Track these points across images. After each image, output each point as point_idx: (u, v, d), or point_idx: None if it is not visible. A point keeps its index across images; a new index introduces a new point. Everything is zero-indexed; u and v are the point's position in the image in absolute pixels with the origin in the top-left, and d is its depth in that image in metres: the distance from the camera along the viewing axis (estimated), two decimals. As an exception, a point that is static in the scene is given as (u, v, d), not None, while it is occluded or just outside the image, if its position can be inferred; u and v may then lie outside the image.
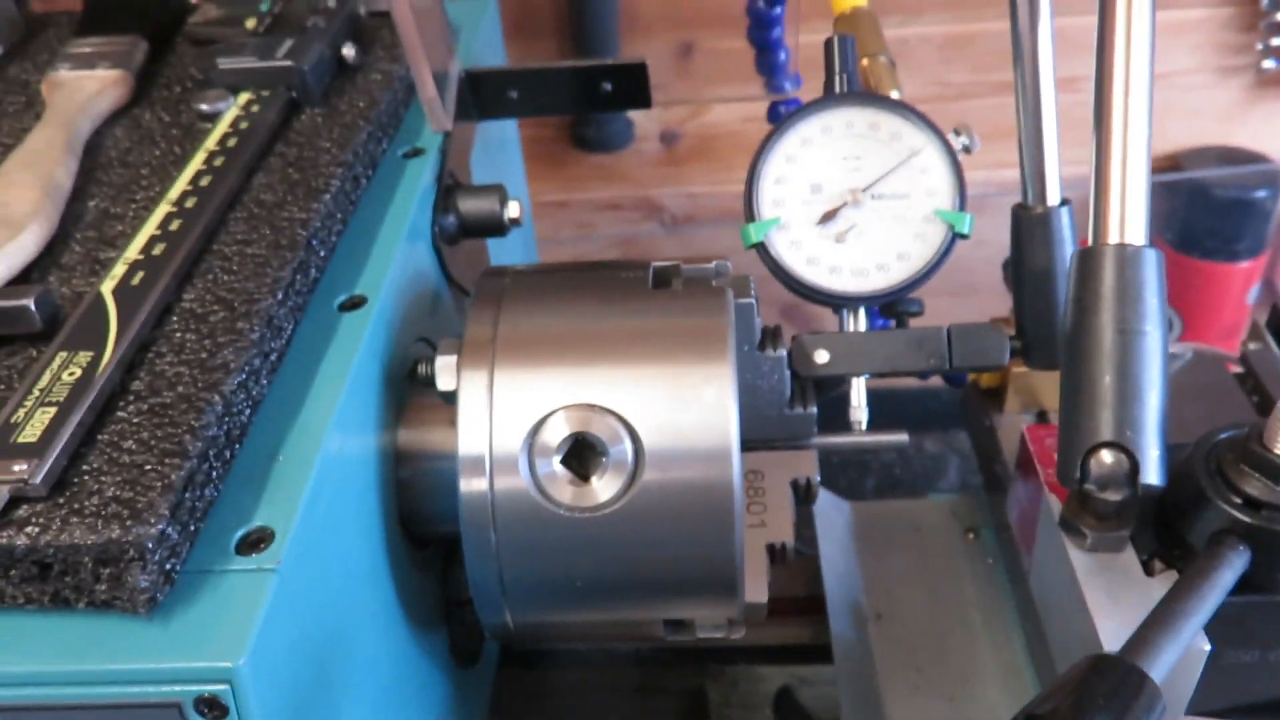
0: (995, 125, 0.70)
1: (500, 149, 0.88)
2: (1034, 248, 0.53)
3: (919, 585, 0.70)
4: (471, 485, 0.48)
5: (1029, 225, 0.53)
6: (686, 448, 0.47)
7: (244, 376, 0.42)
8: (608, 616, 0.51)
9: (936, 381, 1.00)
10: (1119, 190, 0.43)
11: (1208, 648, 0.39)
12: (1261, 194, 1.25)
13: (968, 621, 0.67)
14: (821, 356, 0.55)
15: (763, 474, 0.54)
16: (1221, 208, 1.26)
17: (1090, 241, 0.44)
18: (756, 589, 0.50)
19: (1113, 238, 0.43)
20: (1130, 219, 0.43)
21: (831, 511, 0.75)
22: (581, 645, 0.75)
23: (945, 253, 0.54)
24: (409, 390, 0.54)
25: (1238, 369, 0.63)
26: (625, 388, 0.47)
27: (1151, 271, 0.42)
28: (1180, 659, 0.35)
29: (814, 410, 0.54)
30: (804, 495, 0.54)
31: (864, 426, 0.55)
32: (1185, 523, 0.42)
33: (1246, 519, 0.40)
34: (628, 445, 0.47)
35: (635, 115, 1.33)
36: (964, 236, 0.54)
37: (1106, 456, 0.40)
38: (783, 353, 0.53)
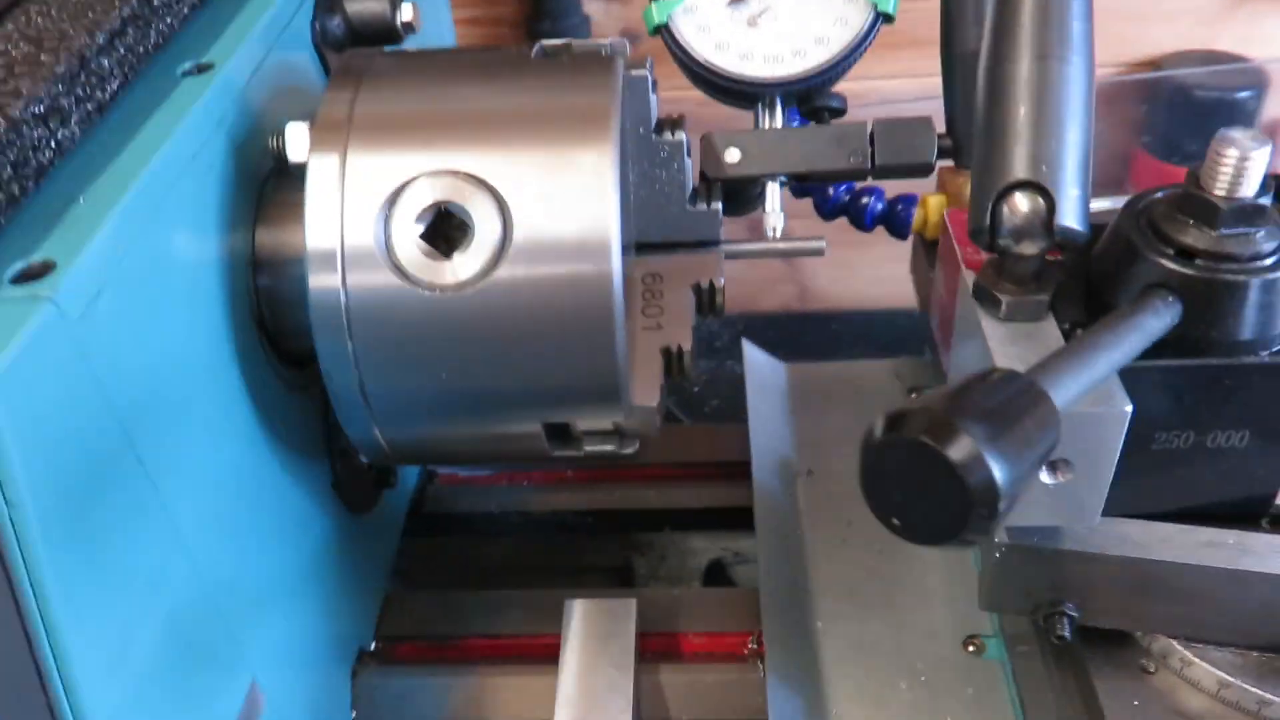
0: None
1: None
2: (964, 25, 0.48)
3: (854, 443, 0.64)
4: (321, 280, 0.43)
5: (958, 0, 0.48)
6: (559, 221, 0.41)
7: (41, 109, 0.37)
8: (482, 425, 0.46)
9: (903, 303, 0.94)
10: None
11: (1129, 407, 0.34)
12: (1245, 94, 1.19)
13: (903, 477, 0.62)
14: (732, 155, 0.50)
15: (662, 277, 0.49)
16: (1204, 110, 1.20)
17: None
18: (647, 393, 0.45)
19: (1036, -40, 0.37)
20: (1057, -61, 0.37)
21: (766, 371, 0.70)
22: (496, 510, 0.71)
23: (867, 35, 0.48)
24: (274, 191, 0.49)
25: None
26: (494, 157, 0.42)
27: (1078, -4, 0.37)
28: (1087, 390, 0.30)
29: (718, 207, 0.49)
30: (708, 301, 0.49)
31: (778, 233, 0.50)
32: (1113, 286, 0.37)
33: (1180, 269, 0.35)
34: (495, 217, 0.42)
35: (594, 12, 1.27)
36: (889, 18, 0.49)
37: (1020, 200, 0.35)
38: (682, 137, 0.48)
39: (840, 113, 0.51)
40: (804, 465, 0.64)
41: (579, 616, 0.57)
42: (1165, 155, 1.24)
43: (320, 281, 0.43)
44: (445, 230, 0.43)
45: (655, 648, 0.60)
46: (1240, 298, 0.35)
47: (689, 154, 0.48)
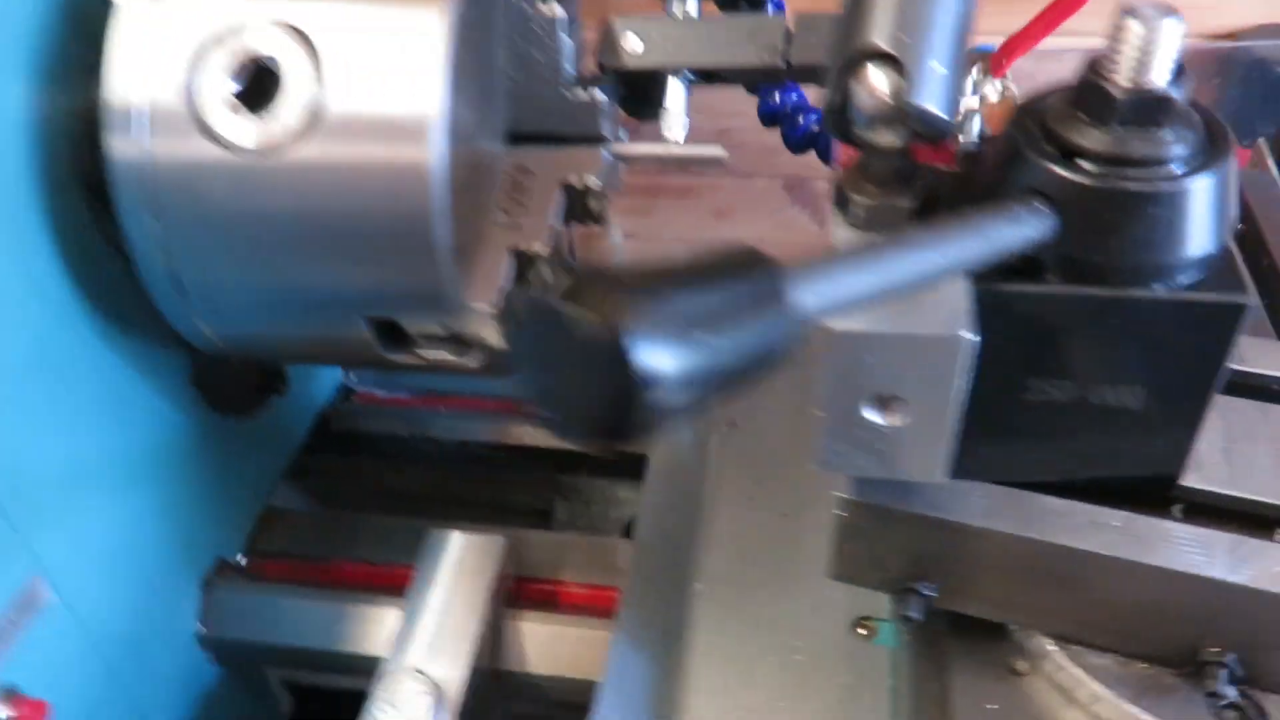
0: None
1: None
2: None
3: (785, 399, 0.58)
4: (121, 142, 0.38)
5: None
6: (378, 83, 0.36)
7: None
8: (306, 318, 0.41)
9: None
10: None
11: (969, 334, 0.27)
12: (1331, 73, 1.07)
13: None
14: (633, 44, 0.43)
15: (531, 171, 0.43)
16: (1281, 86, 1.09)
17: None
18: (483, 293, 0.40)
19: None
20: None
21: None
22: (406, 435, 0.66)
23: (791, -90, 0.42)
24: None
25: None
26: (316, 8, 0.37)
27: None
28: (865, 297, 0.24)
29: (601, 98, 0.43)
30: (580, 204, 0.43)
31: (680, 138, 0.44)
32: (995, 196, 0.30)
33: (1060, 172, 0.28)
34: (310, 73, 0.37)
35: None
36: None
37: (875, 75, 0.29)
38: (556, 10, 0.42)
39: (760, 3, 0.45)
40: (727, 418, 0.58)
41: (444, 550, 0.52)
42: (1239, 134, 1.13)
43: (121, 143, 0.38)
44: (268, 90, 0.38)
45: (533, 595, 0.54)
46: (1129, 211, 0.27)
47: (567, 32, 0.42)
